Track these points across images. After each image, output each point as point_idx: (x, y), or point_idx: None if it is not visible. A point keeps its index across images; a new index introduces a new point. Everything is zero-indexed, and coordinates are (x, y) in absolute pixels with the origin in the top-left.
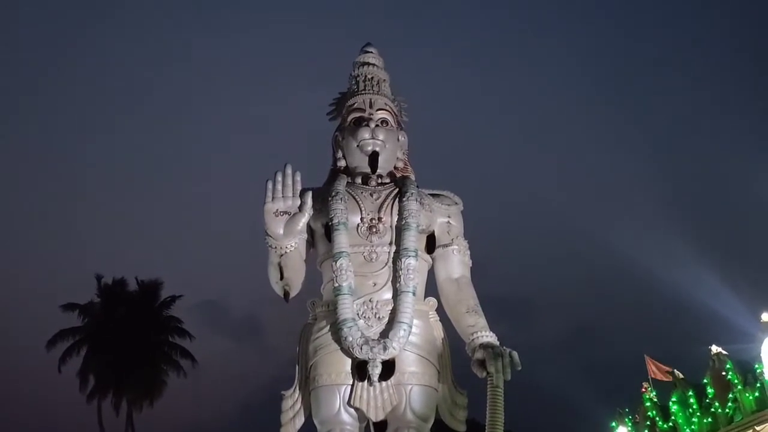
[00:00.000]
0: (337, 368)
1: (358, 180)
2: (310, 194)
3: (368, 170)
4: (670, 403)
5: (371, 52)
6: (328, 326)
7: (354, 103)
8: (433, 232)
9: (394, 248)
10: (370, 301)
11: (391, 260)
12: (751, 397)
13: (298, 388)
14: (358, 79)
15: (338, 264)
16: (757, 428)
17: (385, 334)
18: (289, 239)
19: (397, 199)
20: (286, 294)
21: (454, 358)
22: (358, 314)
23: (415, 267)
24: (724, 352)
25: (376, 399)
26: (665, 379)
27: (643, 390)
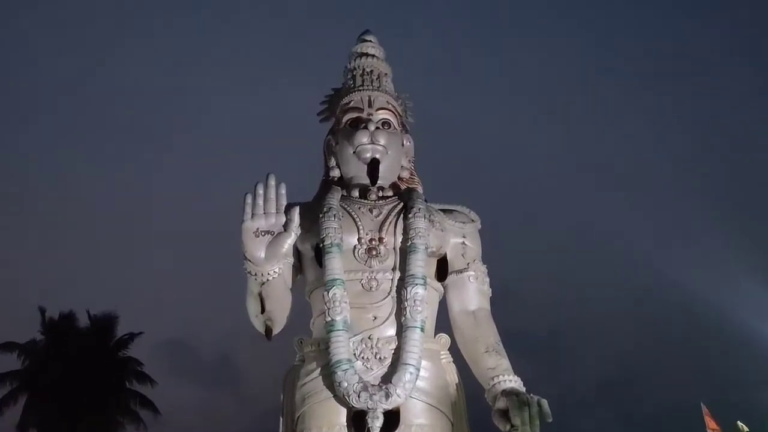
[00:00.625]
0: (329, 420)
1: (355, 193)
2: (297, 210)
3: (367, 181)
4: None
5: (370, 41)
6: (319, 369)
7: (350, 102)
8: (445, 255)
9: (398, 275)
10: (369, 338)
11: (394, 289)
12: None
13: None
14: (354, 72)
15: (331, 294)
16: None
17: (387, 379)
18: (271, 264)
19: (401, 216)
20: (269, 330)
21: (471, 408)
22: (354, 354)
23: (423, 297)
24: None
25: None
26: None
27: None
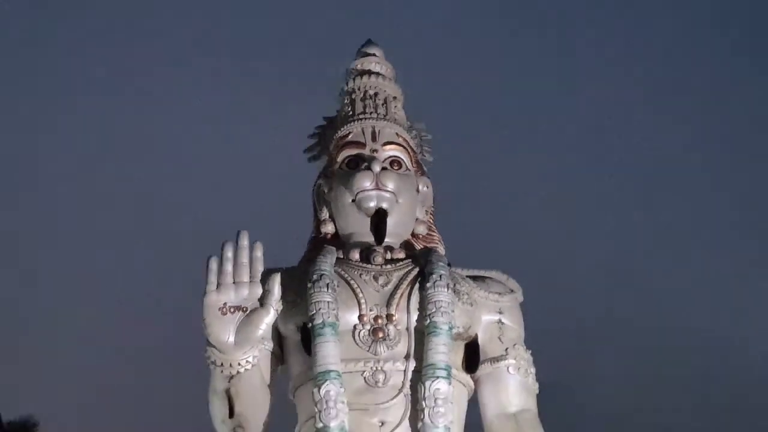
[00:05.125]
0: None
1: (355, 255)
2: (277, 278)
3: (371, 239)
4: None
5: (374, 55)
6: None
7: (348, 134)
8: (476, 337)
9: (412, 365)
10: None
11: (408, 384)
12: None
13: None
14: (353, 96)
15: (323, 392)
16: None
17: None
18: (243, 351)
19: (417, 286)
20: None
21: None
22: None
23: (447, 395)
24: None
25: None
26: None
27: None
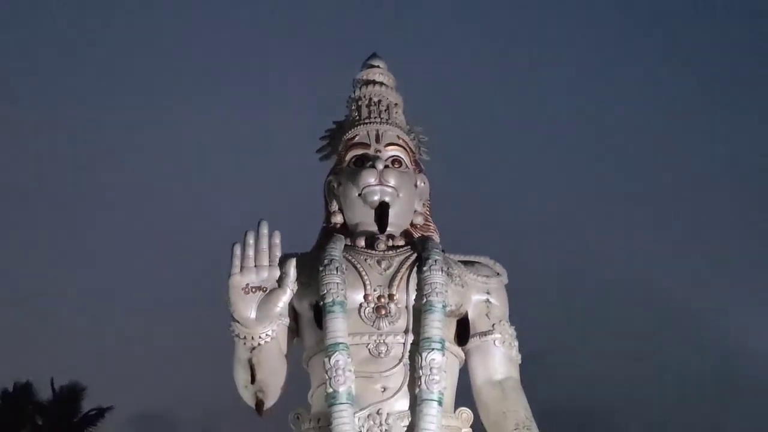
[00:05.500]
0: None
1: (361, 242)
2: (293, 262)
3: (374, 228)
4: None
5: (378, 66)
6: None
7: (354, 136)
8: (466, 315)
9: (411, 338)
10: (377, 413)
11: (407, 355)
12: None
13: None
14: (359, 103)
15: (333, 361)
16: None
17: None
18: (264, 326)
19: (415, 269)
20: (260, 403)
21: None
22: None
23: (441, 364)
24: None
25: None
26: None
27: None
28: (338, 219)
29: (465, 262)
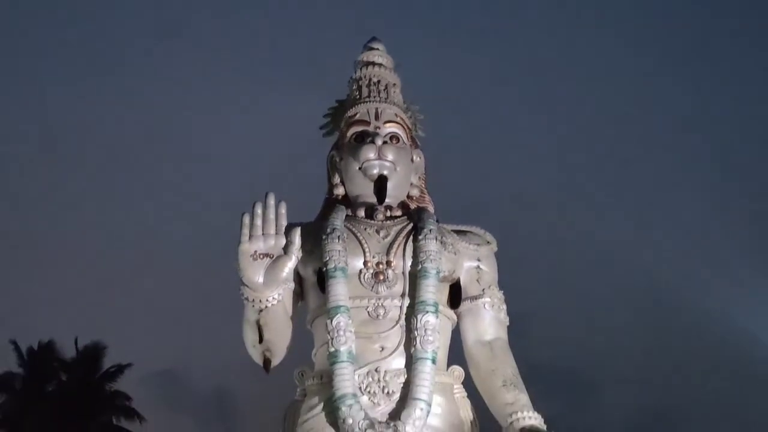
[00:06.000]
0: None
1: (361, 213)
2: (298, 231)
3: (374, 200)
4: None
5: (377, 49)
6: (322, 404)
7: (355, 114)
8: (458, 280)
9: (407, 301)
10: (376, 371)
11: (403, 317)
12: None
13: None
14: (360, 83)
15: (335, 322)
16: None
17: (395, 415)
18: (271, 290)
19: (411, 238)
20: (267, 362)
21: None
22: (360, 388)
23: (434, 326)
24: None
25: None
26: None
27: None
28: (340, 191)
29: (458, 232)
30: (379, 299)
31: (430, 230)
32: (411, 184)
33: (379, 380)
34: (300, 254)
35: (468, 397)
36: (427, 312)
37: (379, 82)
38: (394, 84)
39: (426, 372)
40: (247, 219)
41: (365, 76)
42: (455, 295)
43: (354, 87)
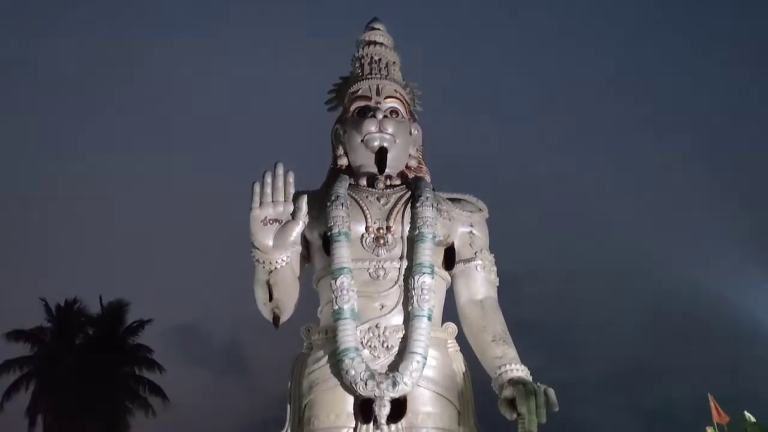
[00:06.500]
0: (336, 408)
1: (363, 182)
2: (305, 198)
3: (375, 170)
4: None
5: (378, 29)
6: (326, 357)
7: (358, 90)
8: (453, 244)
9: (405, 263)
10: (376, 327)
11: (401, 278)
12: None
13: (290, 431)
14: (362, 61)
15: (338, 282)
16: None
17: (394, 367)
18: (280, 252)
19: (409, 205)
20: (276, 318)
21: (477, 396)
22: (362, 343)
23: (430, 286)
24: None
25: None
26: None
27: None
28: (343, 161)
29: (452, 199)
30: (380, 261)
31: (427, 198)
32: (409, 155)
33: (379, 335)
34: (307, 220)
35: (461, 351)
36: (424, 273)
37: (380, 60)
38: (394, 62)
39: (422, 328)
40: (257, 187)
41: (367, 55)
42: (449, 258)
43: (356, 65)
